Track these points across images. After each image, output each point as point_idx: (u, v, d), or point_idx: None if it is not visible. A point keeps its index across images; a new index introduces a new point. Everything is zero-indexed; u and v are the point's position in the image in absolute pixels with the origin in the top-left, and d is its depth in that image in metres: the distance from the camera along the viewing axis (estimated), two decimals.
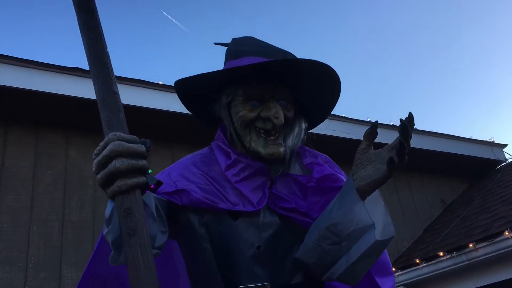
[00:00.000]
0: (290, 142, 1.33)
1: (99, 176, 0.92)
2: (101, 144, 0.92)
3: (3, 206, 3.47)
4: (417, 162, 5.61)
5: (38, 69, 3.67)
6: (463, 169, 6.56)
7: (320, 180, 1.31)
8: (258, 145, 1.29)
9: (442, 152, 5.91)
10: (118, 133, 0.92)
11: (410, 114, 1.09)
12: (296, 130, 1.36)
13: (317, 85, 1.38)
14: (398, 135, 1.08)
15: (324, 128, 4.78)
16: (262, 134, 1.30)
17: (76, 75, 3.74)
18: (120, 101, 0.98)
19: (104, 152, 0.90)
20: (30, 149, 3.76)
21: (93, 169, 0.94)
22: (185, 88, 1.41)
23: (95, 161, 0.92)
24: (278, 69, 1.31)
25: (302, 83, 1.37)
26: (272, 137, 1.30)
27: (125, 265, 1.04)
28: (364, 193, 1.10)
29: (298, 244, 1.22)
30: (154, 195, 1.19)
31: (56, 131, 3.90)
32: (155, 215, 1.10)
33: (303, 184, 1.30)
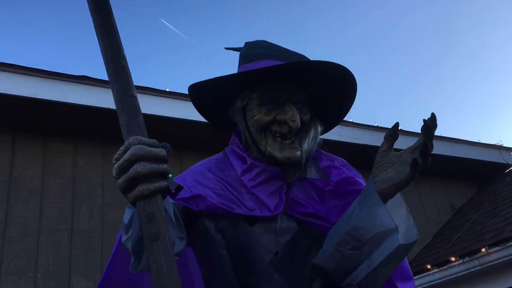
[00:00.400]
0: (306, 145, 1.32)
1: (120, 181, 0.89)
2: (122, 148, 0.90)
3: (12, 215, 3.45)
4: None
5: (45, 77, 3.67)
6: (472, 173, 6.51)
7: (338, 183, 1.29)
8: (274, 149, 1.28)
9: (450, 156, 5.86)
10: (138, 137, 0.91)
11: (433, 114, 1.07)
12: (312, 134, 1.34)
13: (332, 88, 1.36)
14: (421, 135, 1.05)
15: (331, 133, 4.65)
16: (277, 138, 1.28)
17: (83, 84, 3.74)
18: (139, 105, 0.97)
19: (125, 156, 0.88)
20: (38, 158, 3.75)
21: (114, 173, 0.91)
22: (198, 92, 1.40)
23: (116, 165, 0.90)
24: (293, 72, 1.29)
25: (318, 86, 1.35)
26: (288, 141, 1.28)
27: (140, 273, 1.03)
28: (385, 196, 1.07)
29: (317, 249, 1.20)
30: (172, 200, 1.17)
31: (64, 140, 3.89)
32: (173, 221, 1.08)
33: (320, 188, 1.28)
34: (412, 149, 1.08)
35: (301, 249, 1.21)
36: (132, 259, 1.02)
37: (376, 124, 5.30)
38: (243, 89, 1.33)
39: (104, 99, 3.71)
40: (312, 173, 1.32)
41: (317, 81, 1.33)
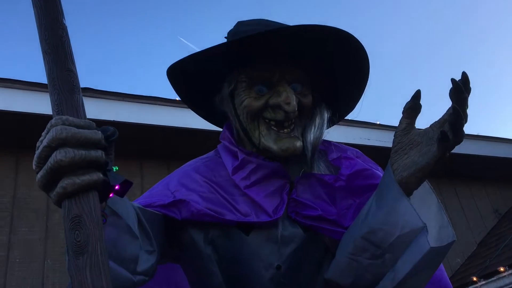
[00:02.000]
0: (311, 135, 1.10)
1: (38, 175, 0.71)
2: (43, 133, 0.73)
3: (16, 239, 3.27)
4: (465, 169, 5.21)
5: (48, 92, 3.52)
6: None
7: (350, 177, 1.06)
8: (268, 140, 1.07)
9: (491, 156, 5.49)
10: (64, 117, 0.72)
11: (464, 74, 0.82)
12: (317, 121, 1.13)
13: (337, 62, 1.13)
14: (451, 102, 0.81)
15: (358, 137, 4.47)
16: (273, 127, 1.07)
17: (87, 96, 3.56)
18: (77, 81, 0.79)
19: (44, 142, 0.70)
20: None
21: (33, 166, 0.72)
22: (178, 76, 1.18)
23: (35, 155, 0.72)
24: (287, 45, 1.07)
25: (320, 63, 1.13)
26: (285, 130, 1.07)
27: None
28: (409, 186, 0.86)
29: (328, 261, 1.02)
30: (137, 205, 0.97)
31: None
32: (134, 230, 0.88)
33: (329, 184, 1.06)
34: (440, 123, 0.86)
35: (309, 261, 1.03)
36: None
37: None
38: (231, 72, 1.13)
39: (111, 112, 3.54)
40: (320, 168, 1.10)
41: (318, 56, 1.11)
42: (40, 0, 0.84)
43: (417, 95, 0.88)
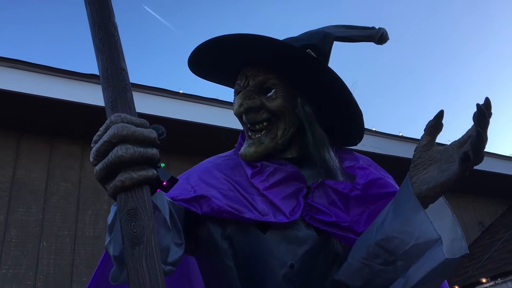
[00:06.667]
0: (313, 145, 1.15)
1: (97, 168, 0.74)
2: (102, 128, 0.76)
3: (13, 219, 3.28)
4: None
5: (54, 75, 3.51)
6: (502, 189, 6.14)
7: (366, 186, 1.11)
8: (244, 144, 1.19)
9: (479, 170, 5.53)
10: (123, 114, 0.76)
11: (487, 99, 0.87)
12: (312, 129, 1.17)
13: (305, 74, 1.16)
14: (473, 124, 0.87)
15: None
16: (249, 132, 1.17)
17: (93, 83, 3.57)
18: (128, 79, 0.83)
19: (105, 137, 0.73)
20: (44, 160, 3.58)
21: (91, 159, 0.76)
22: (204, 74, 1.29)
23: (93, 148, 0.75)
24: (243, 51, 1.15)
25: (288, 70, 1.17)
26: (258, 134, 1.16)
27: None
28: (426, 200, 0.90)
29: (338, 264, 1.05)
30: (168, 199, 1.00)
31: (72, 142, 3.73)
32: (169, 223, 0.92)
33: (344, 193, 1.10)
34: (460, 142, 0.91)
35: (321, 262, 1.06)
36: (114, 267, 0.86)
37: (400, 134, 5.05)
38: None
39: None
40: (335, 176, 1.14)
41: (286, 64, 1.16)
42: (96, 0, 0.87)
43: (440, 115, 0.93)
